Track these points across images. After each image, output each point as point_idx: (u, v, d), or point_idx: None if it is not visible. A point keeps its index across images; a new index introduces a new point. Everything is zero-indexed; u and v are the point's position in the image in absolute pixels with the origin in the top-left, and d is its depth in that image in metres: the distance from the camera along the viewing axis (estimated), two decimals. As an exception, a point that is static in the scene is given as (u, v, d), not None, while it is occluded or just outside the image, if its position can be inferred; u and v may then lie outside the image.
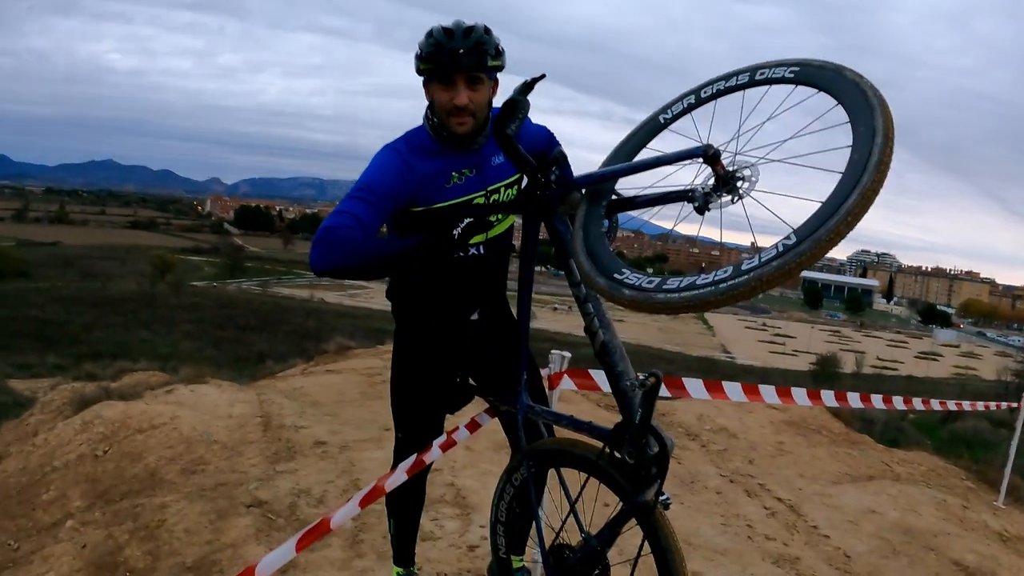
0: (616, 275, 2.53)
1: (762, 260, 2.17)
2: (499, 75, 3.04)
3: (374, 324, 50.99)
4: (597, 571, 2.96)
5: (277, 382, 9.79)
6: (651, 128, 2.99)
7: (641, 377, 2.64)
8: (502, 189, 3.12)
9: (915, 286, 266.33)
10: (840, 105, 2.34)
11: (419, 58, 2.91)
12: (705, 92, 2.81)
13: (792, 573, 5.41)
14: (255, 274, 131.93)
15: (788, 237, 2.17)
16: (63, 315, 59.38)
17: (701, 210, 2.54)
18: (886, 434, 13.00)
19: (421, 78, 2.97)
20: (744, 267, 2.20)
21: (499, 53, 2.92)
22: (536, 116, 3.06)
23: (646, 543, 2.74)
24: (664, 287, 2.37)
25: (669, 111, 2.93)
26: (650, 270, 2.68)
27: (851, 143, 2.22)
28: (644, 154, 2.96)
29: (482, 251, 3.13)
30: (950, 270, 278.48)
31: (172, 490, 5.85)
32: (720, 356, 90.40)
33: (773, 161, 2.48)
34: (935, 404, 8.23)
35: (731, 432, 8.66)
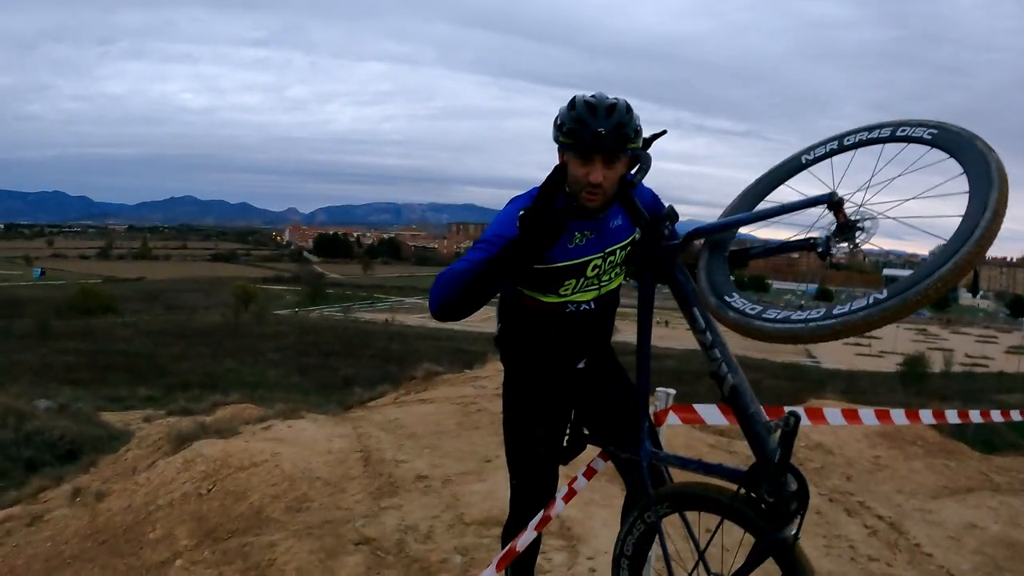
0: (726, 296, 2.76)
1: (852, 308, 2.39)
2: None
3: (457, 345, 51.20)
4: None
5: (371, 413, 9.87)
6: (791, 168, 3.06)
7: (780, 419, 2.70)
8: (617, 251, 3.17)
9: (1001, 278, 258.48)
10: (965, 175, 2.42)
11: (559, 129, 2.93)
12: (848, 140, 2.87)
13: (898, 594, 5.36)
14: (336, 300, 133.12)
15: (881, 291, 2.35)
16: (151, 347, 60.55)
17: (824, 256, 2.69)
18: (979, 434, 12.70)
19: (556, 144, 2.99)
20: (835, 311, 2.43)
21: (638, 134, 2.94)
22: None
23: None
24: (763, 316, 2.60)
25: (812, 153, 2.99)
26: (755, 297, 2.77)
27: (963, 212, 2.34)
28: (773, 196, 3.07)
29: (593, 306, 3.21)
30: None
31: (279, 528, 5.94)
32: (805, 361, 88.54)
33: (891, 218, 2.61)
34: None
35: (827, 448, 8.56)
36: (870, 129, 2.81)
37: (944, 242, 2.31)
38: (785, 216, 2.89)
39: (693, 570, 3.11)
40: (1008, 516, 6.94)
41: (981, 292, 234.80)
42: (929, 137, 2.59)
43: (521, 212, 2.76)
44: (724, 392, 2.90)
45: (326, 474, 6.90)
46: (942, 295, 2.31)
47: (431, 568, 5.19)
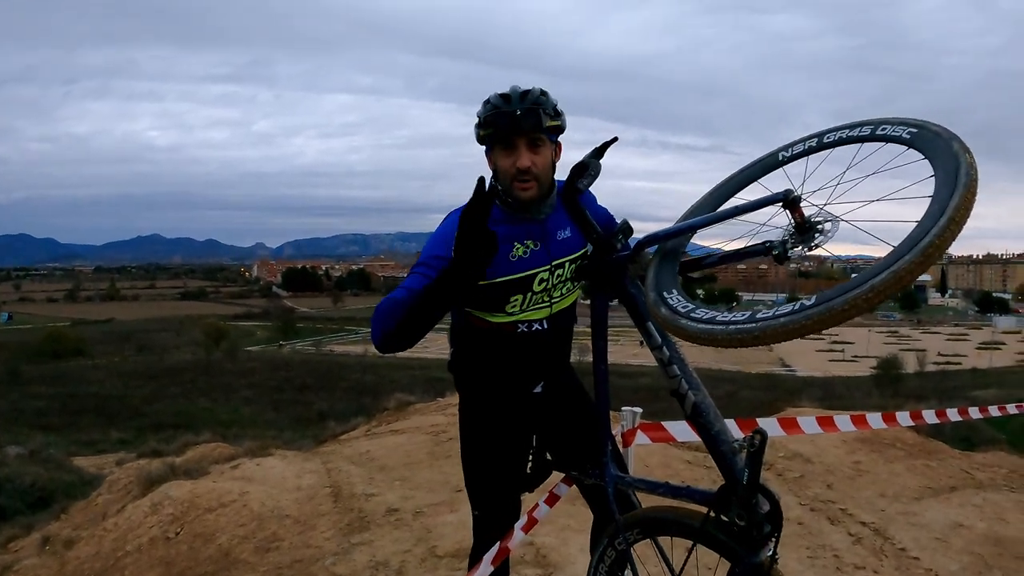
0: (664, 292, 2.61)
1: (776, 314, 2.23)
2: (561, 140, 3.01)
3: (431, 374, 51.12)
4: None
5: (342, 447, 9.75)
6: (767, 164, 2.92)
7: (745, 438, 2.58)
8: (567, 264, 3.05)
9: (968, 276, 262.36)
10: (934, 178, 2.26)
11: (478, 125, 2.90)
12: (828, 138, 2.74)
13: (886, 601, 5.26)
14: (308, 334, 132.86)
15: (810, 297, 2.20)
16: (122, 389, 60.31)
17: (781, 259, 2.52)
18: (958, 432, 12.74)
19: (483, 148, 2.95)
20: (759, 316, 2.28)
21: (557, 114, 2.88)
22: (569, 148, 3.03)
23: None
24: (691, 315, 2.44)
25: (790, 149, 2.86)
26: (700, 291, 2.63)
27: (919, 219, 2.16)
28: (744, 194, 2.93)
29: (545, 326, 3.08)
30: (1002, 255, 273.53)
31: (248, 570, 5.82)
32: (780, 371, 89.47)
33: (847, 222, 2.44)
34: (1011, 408, 8.03)
35: (806, 457, 8.49)
36: (852, 127, 2.68)
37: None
38: (750, 217, 2.71)
39: None
40: (993, 512, 6.88)
41: (950, 291, 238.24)
42: (908, 137, 2.44)
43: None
44: (686, 410, 2.80)
45: (295, 512, 6.76)
46: (876, 305, 2.12)
47: (403, 605, 5.04)
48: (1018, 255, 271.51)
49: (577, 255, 3.07)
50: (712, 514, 2.70)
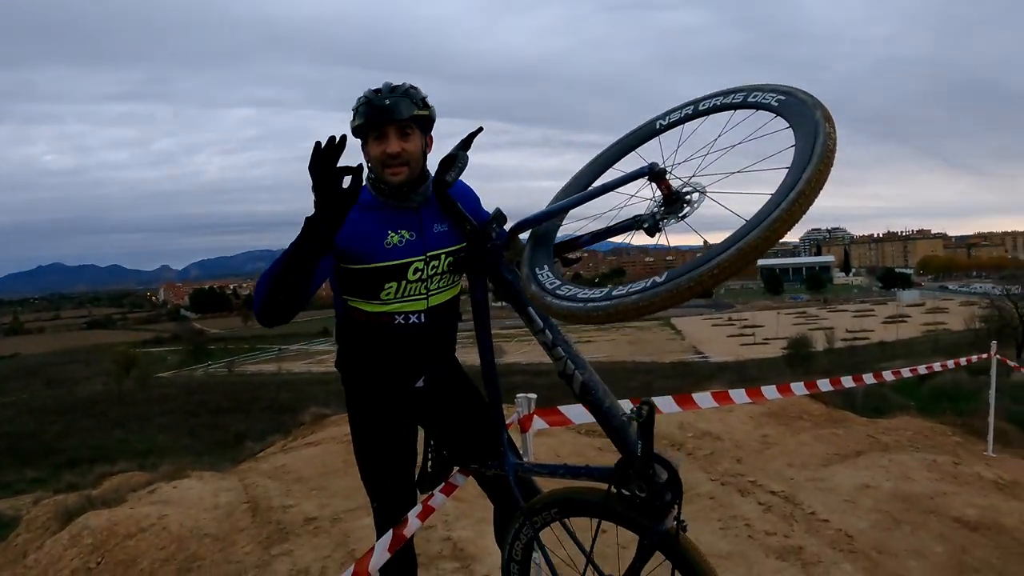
0: (536, 268, 2.68)
1: (628, 291, 2.29)
2: (434, 134, 3.07)
3: (345, 386, 50.51)
4: None
5: (258, 463, 9.62)
6: (644, 134, 2.94)
7: (633, 410, 2.64)
8: (443, 256, 3.10)
9: (870, 254, 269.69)
10: (794, 147, 2.27)
11: (352, 119, 2.96)
12: (703, 105, 2.76)
13: (798, 564, 5.42)
14: (220, 356, 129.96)
15: (661, 274, 2.26)
16: (34, 426, 58.24)
17: (652, 232, 2.59)
18: (868, 403, 13.10)
19: (359, 142, 2.99)
20: (614, 293, 2.34)
21: (426, 104, 2.96)
22: (473, 152, 3.07)
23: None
24: (556, 292, 2.51)
25: (667, 118, 2.88)
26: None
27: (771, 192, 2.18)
28: (621, 165, 2.96)
29: (422, 319, 3.11)
30: (901, 232, 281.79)
31: (171, 592, 5.75)
32: (694, 358, 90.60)
33: (708, 195, 2.51)
34: (906, 372, 8.35)
35: (715, 435, 8.68)
36: (726, 94, 2.69)
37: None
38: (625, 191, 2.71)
39: (583, 574, 3.02)
40: (899, 472, 7.14)
41: (853, 270, 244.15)
42: (776, 104, 2.47)
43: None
44: (575, 390, 2.85)
45: (214, 530, 6.68)
46: (722, 281, 2.15)
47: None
48: (918, 231, 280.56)
49: (454, 248, 3.12)
50: (613, 489, 2.74)
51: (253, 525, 6.69)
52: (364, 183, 2.97)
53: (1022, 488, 7.13)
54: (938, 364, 9.01)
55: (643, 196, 2.62)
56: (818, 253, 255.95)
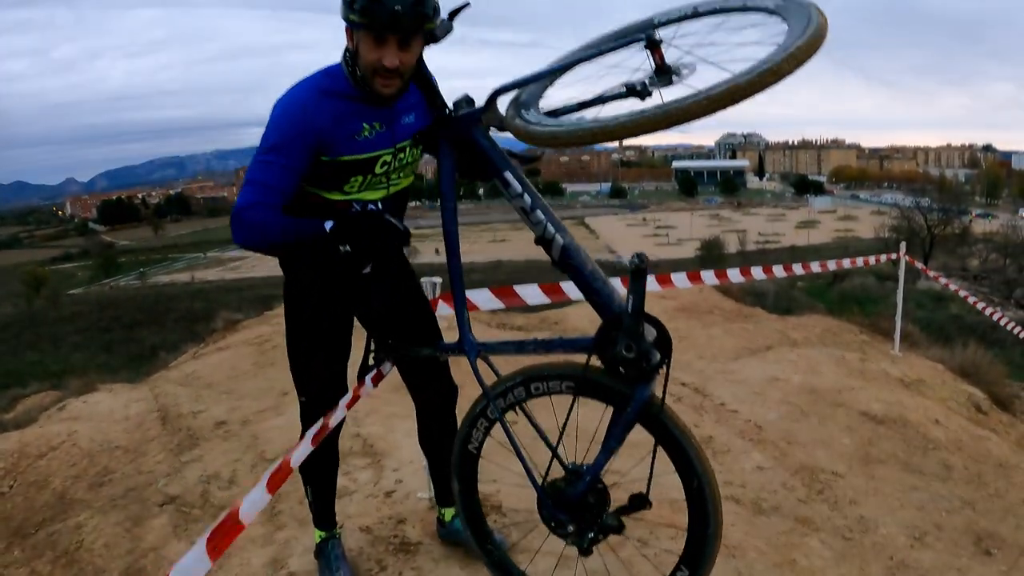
0: (523, 110, 2.76)
1: (616, 116, 2.39)
2: None
3: (260, 292, 50.00)
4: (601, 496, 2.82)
5: (169, 372, 9.50)
6: (640, 26, 2.83)
7: (630, 259, 2.55)
8: (408, 148, 2.98)
9: (785, 160, 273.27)
10: (787, 28, 2.34)
11: (350, 6, 2.64)
12: (703, 7, 2.69)
13: (708, 453, 5.47)
14: (131, 268, 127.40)
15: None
16: (-59, 355, 56.75)
17: (643, 96, 2.54)
18: (779, 304, 13.42)
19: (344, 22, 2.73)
20: (600, 116, 2.50)
21: (436, 13, 2.72)
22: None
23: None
24: (542, 123, 2.64)
25: (666, 15, 2.79)
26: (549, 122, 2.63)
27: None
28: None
29: (379, 207, 2.97)
30: (816, 141, 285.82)
31: (84, 508, 5.60)
32: (608, 257, 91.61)
33: (707, 60, 2.49)
34: (815, 267, 8.52)
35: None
36: None
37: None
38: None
39: (553, 456, 2.90)
40: (807, 366, 7.31)
41: (767, 175, 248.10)
42: (773, 7, 2.46)
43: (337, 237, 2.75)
44: (555, 256, 2.76)
45: (125, 441, 6.56)
46: (710, 112, 2.20)
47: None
48: (832, 140, 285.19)
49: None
50: (593, 357, 2.62)
51: (164, 433, 6.59)
52: (339, 67, 2.85)
53: (927, 386, 7.40)
54: (848, 261, 9.13)
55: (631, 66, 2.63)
56: (733, 157, 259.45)
